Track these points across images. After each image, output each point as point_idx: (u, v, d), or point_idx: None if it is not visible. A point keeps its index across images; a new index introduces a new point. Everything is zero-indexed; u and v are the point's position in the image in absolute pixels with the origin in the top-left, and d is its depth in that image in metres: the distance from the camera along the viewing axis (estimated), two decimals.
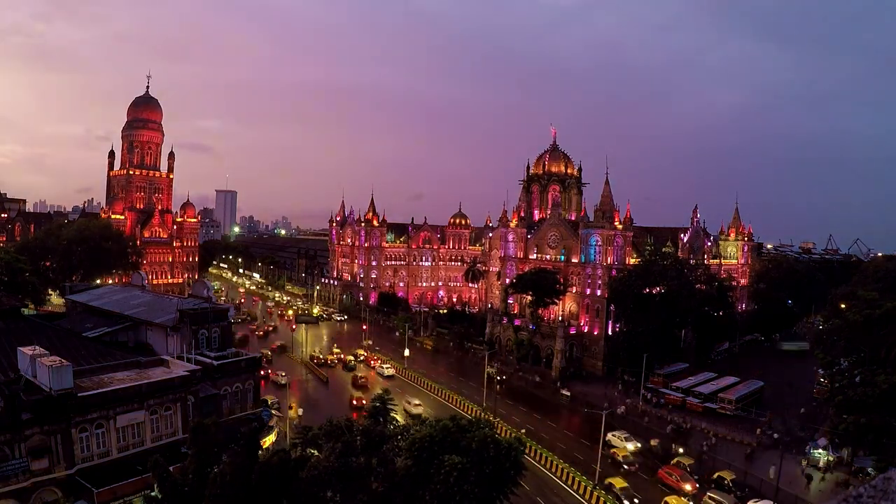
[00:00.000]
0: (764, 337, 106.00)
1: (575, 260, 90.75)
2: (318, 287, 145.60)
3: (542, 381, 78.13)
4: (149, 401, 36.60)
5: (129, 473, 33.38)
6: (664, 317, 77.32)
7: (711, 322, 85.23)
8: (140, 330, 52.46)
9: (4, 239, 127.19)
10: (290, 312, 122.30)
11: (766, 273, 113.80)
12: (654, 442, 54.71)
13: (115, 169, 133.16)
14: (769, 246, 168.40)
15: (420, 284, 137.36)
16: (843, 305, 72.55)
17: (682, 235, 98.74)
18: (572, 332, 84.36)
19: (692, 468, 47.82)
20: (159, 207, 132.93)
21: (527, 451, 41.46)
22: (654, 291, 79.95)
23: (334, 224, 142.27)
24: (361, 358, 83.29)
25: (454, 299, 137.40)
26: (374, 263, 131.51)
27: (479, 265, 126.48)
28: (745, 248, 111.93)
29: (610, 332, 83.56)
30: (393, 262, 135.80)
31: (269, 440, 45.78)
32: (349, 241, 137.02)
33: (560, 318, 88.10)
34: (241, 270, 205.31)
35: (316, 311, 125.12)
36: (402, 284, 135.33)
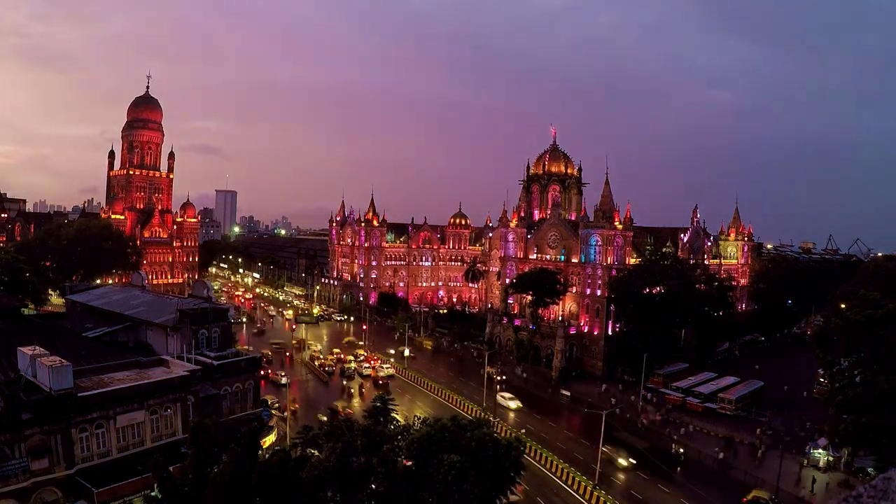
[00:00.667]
0: (764, 337, 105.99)
1: (575, 260, 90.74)
2: (318, 287, 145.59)
3: (542, 380, 78.11)
4: (149, 401, 36.61)
5: (129, 473, 33.40)
6: (664, 317, 77.34)
7: (711, 322, 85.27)
8: (140, 330, 52.46)
9: (4, 239, 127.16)
10: (290, 313, 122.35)
11: (766, 273, 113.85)
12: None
13: (115, 169, 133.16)
14: (769, 246, 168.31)
15: (420, 284, 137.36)
16: (843, 305, 72.52)
17: (682, 235, 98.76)
18: (572, 332, 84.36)
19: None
20: (159, 207, 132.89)
21: (526, 450, 41.52)
22: (654, 291, 79.97)
23: (334, 224, 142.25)
24: (361, 357, 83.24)
25: (454, 299, 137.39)
26: (374, 263, 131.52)
27: (479, 265, 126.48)
28: (745, 248, 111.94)
29: (610, 332, 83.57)
30: (393, 262, 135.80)
31: (269, 440, 45.78)
32: (349, 241, 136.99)
33: (560, 318, 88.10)
34: (241, 270, 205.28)
35: (316, 311, 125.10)
36: (402, 284, 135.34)
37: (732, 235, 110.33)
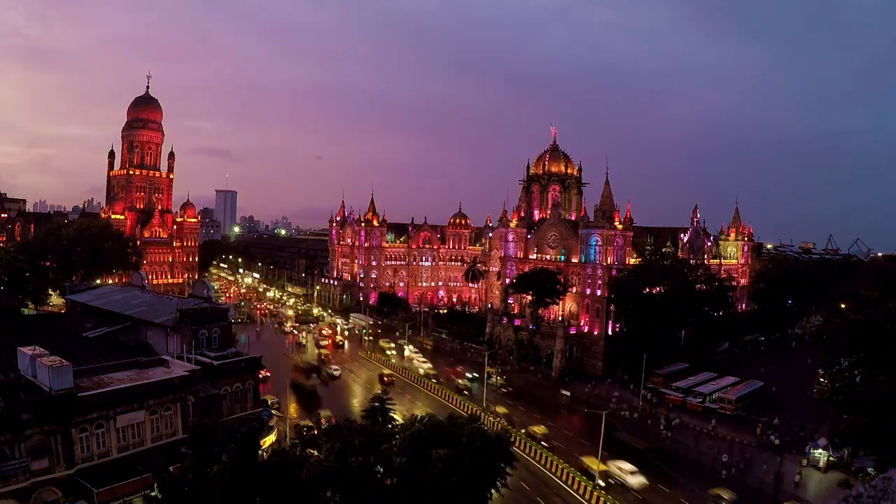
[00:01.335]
0: (764, 337, 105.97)
1: (575, 260, 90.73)
2: (318, 287, 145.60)
3: (542, 380, 78.12)
4: (149, 401, 36.61)
5: (129, 473, 33.40)
6: (664, 317, 77.30)
7: (711, 322, 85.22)
8: (140, 330, 52.48)
9: (4, 239, 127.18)
10: (290, 313, 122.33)
11: (766, 273, 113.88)
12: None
13: (115, 169, 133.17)
14: (769, 246, 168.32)
15: (420, 284, 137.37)
16: (843, 305, 72.63)
17: (682, 235, 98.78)
18: (572, 332, 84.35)
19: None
20: (159, 207, 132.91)
21: (520, 447, 41.54)
22: (654, 291, 79.96)
23: (334, 224, 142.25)
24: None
25: (454, 299, 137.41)
26: (374, 263, 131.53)
27: (479, 265, 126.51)
28: (745, 248, 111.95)
29: (610, 332, 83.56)
30: (393, 262, 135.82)
31: (269, 440, 45.78)
32: (349, 241, 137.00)
33: (560, 318, 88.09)
34: (241, 270, 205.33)
35: (316, 311, 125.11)
36: (402, 284, 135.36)
37: (732, 235, 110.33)
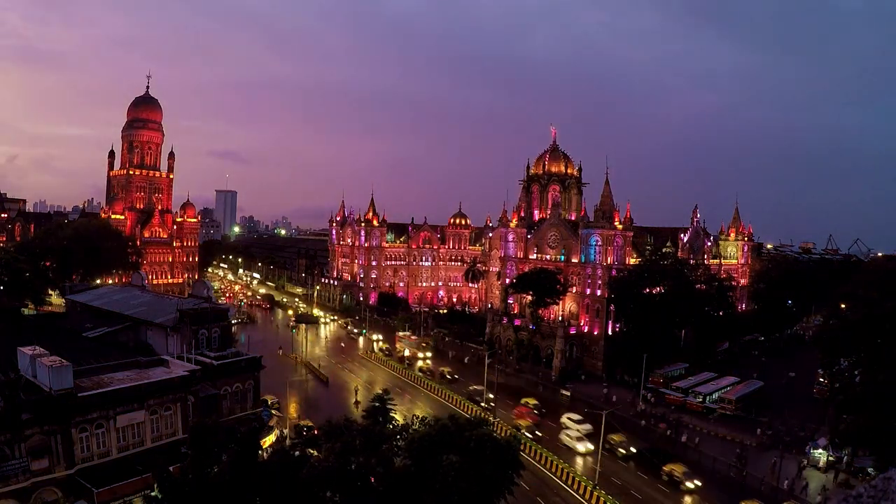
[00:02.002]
0: (764, 337, 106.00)
1: (575, 260, 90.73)
2: (318, 287, 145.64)
3: (543, 380, 78.11)
4: (149, 401, 36.61)
5: (129, 473, 33.39)
6: (664, 317, 77.29)
7: (711, 322, 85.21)
8: (140, 330, 52.48)
9: (4, 239, 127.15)
10: (290, 312, 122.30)
11: (766, 273, 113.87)
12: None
13: (115, 169, 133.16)
14: (769, 246, 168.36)
15: (420, 284, 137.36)
16: (843, 305, 72.51)
17: (682, 235, 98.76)
18: (572, 332, 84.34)
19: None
20: (159, 207, 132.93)
21: (525, 450, 41.61)
22: (654, 291, 79.95)
23: (334, 224, 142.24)
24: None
25: (454, 299, 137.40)
26: (374, 263, 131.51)
27: (479, 265, 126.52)
28: (745, 248, 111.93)
29: (610, 332, 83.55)
30: (393, 262, 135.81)
31: (269, 440, 45.77)
32: (349, 241, 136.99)
33: (560, 318, 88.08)
34: (240, 270, 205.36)
35: (316, 311, 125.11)
36: (402, 284, 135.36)
37: (732, 235, 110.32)
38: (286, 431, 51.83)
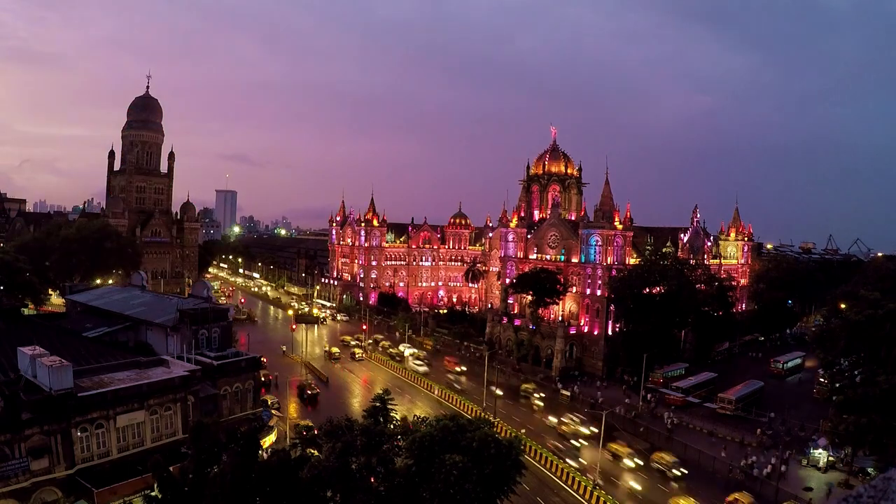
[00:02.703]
0: (764, 337, 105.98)
1: (575, 260, 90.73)
2: (318, 287, 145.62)
3: (542, 380, 78.10)
4: (149, 401, 36.60)
5: (129, 473, 33.40)
6: (664, 317, 77.27)
7: (711, 322, 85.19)
8: (140, 330, 52.51)
9: (4, 238, 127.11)
10: (290, 312, 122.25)
11: (766, 273, 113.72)
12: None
13: (115, 169, 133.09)
14: (769, 246, 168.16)
15: (420, 284, 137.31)
16: (843, 305, 72.50)
17: (682, 235, 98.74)
18: (572, 332, 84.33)
19: None
20: (159, 208, 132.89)
21: (526, 450, 41.66)
22: (654, 291, 79.93)
23: (334, 224, 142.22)
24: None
25: (454, 299, 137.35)
26: (374, 263, 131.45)
27: (479, 265, 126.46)
28: (745, 248, 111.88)
29: (610, 332, 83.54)
30: (393, 262, 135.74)
31: (269, 440, 45.78)
32: (349, 241, 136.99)
33: (560, 318, 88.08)
34: (241, 270, 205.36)
35: (316, 311, 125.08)
36: (402, 284, 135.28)
37: (732, 235, 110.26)
38: (287, 431, 51.81)
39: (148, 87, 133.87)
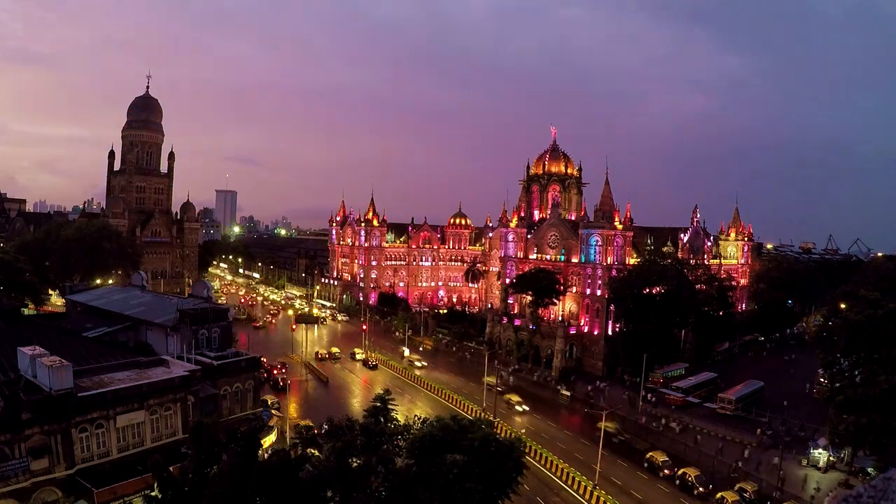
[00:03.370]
0: (764, 337, 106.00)
1: (575, 260, 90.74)
2: (318, 287, 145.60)
3: (542, 381, 78.16)
4: (149, 401, 36.60)
5: (129, 473, 33.40)
6: (664, 317, 77.28)
7: (711, 322, 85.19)
8: (140, 330, 52.51)
9: (4, 238, 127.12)
10: (290, 312, 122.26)
11: (766, 273, 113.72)
12: None
13: (115, 169, 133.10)
14: (769, 246, 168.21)
15: (420, 284, 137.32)
16: (843, 305, 72.46)
17: (682, 235, 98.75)
18: (572, 332, 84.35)
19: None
20: (159, 208, 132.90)
21: (527, 451, 41.70)
22: (654, 291, 79.93)
23: (334, 224, 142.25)
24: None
25: (454, 299, 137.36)
26: (374, 263, 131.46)
27: (479, 265, 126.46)
28: (745, 248, 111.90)
29: (610, 332, 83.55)
30: (393, 262, 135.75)
31: (269, 440, 45.78)
32: (349, 241, 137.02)
33: (560, 318, 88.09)
34: (240, 270, 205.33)
35: (316, 311, 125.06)
36: (402, 284, 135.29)
37: (732, 235, 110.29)
38: (287, 431, 51.81)
39: (148, 87, 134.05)
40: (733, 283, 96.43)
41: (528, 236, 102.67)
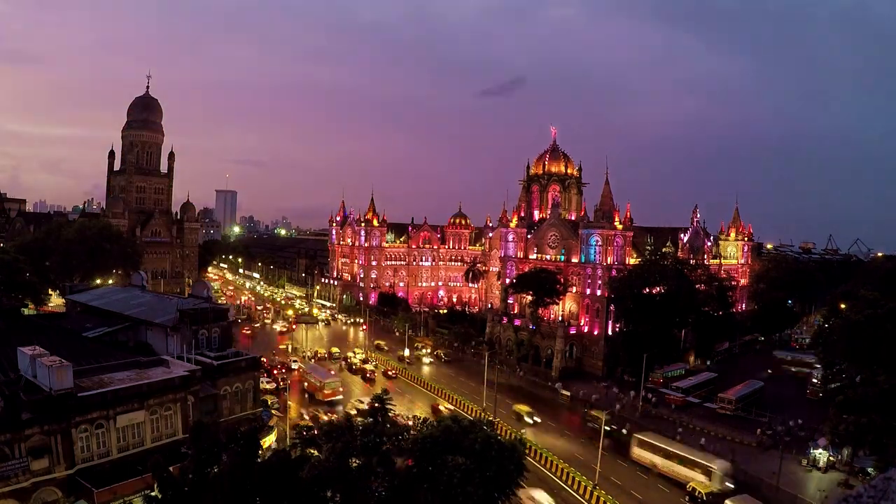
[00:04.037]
0: (764, 337, 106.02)
1: (575, 260, 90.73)
2: (318, 287, 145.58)
3: (543, 381, 78.13)
4: (149, 401, 36.58)
5: (129, 473, 33.36)
6: (664, 317, 77.26)
7: (711, 322, 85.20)
8: (140, 330, 52.46)
9: (4, 238, 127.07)
10: (290, 312, 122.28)
11: (766, 273, 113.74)
12: None
13: (115, 169, 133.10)
14: (769, 246, 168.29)
15: (420, 284, 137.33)
16: (842, 305, 72.50)
17: (682, 235, 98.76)
18: (572, 332, 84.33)
19: None
20: (159, 208, 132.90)
21: (527, 451, 41.74)
22: (654, 291, 79.92)
23: (334, 224, 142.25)
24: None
25: (454, 299, 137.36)
26: (374, 263, 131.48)
27: (479, 265, 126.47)
28: (745, 248, 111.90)
29: (610, 332, 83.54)
30: (393, 262, 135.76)
31: (269, 440, 45.77)
32: (349, 241, 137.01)
33: (560, 318, 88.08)
34: (240, 270, 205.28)
35: (316, 311, 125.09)
36: (402, 284, 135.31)
37: (732, 235, 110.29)
38: (287, 430, 51.79)
39: (148, 87, 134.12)
40: (733, 283, 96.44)
41: (528, 236, 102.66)
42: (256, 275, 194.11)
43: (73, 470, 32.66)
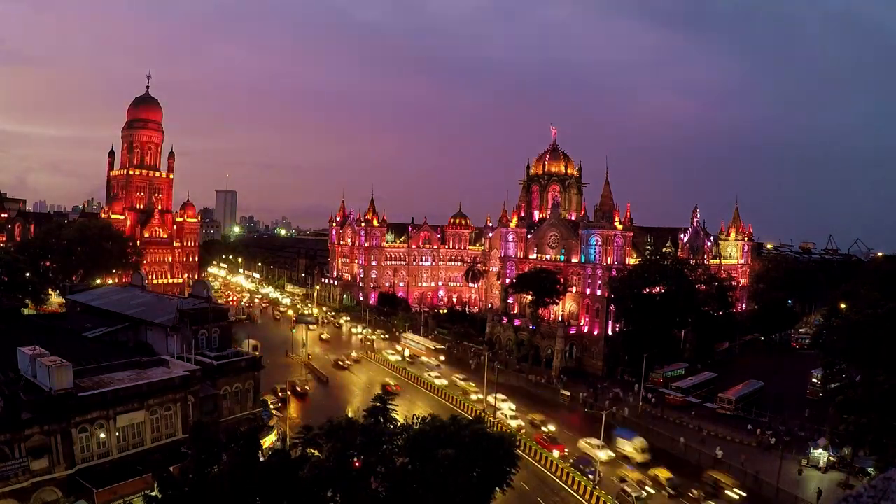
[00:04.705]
0: (764, 337, 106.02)
1: (575, 260, 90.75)
2: (318, 287, 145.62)
3: (542, 381, 78.10)
4: (149, 401, 36.58)
5: (129, 473, 33.38)
6: (664, 317, 77.28)
7: (711, 322, 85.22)
8: (140, 330, 52.46)
9: (4, 238, 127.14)
10: (290, 312, 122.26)
11: (766, 273, 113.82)
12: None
13: (115, 169, 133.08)
14: (769, 246, 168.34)
15: (420, 284, 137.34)
16: (843, 305, 72.63)
17: (682, 235, 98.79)
18: (572, 332, 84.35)
19: None
20: (159, 207, 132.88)
21: (519, 445, 41.79)
22: (654, 291, 79.94)
23: (334, 224, 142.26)
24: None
25: (454, 299, 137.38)
26: (374, 263, 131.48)
27: (479, 265, 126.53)
28: (745, 248, 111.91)
29: (610, 332, 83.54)
30: (393, 262, 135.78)
31: (269, 440, 45.77)
32: (349, 241, 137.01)
33: (560, 318, 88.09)
34: (240, 270, 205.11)
35: (316, 311, 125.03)
36: (402, 284, 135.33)
37: (732, 235, 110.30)
38: (287, 431, 51.80)
39: (148, 87, 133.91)
40: (733, 282, 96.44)
41: (528, 236, 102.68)
42: (257, 275, 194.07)
43: (73, 470, 32.66)
